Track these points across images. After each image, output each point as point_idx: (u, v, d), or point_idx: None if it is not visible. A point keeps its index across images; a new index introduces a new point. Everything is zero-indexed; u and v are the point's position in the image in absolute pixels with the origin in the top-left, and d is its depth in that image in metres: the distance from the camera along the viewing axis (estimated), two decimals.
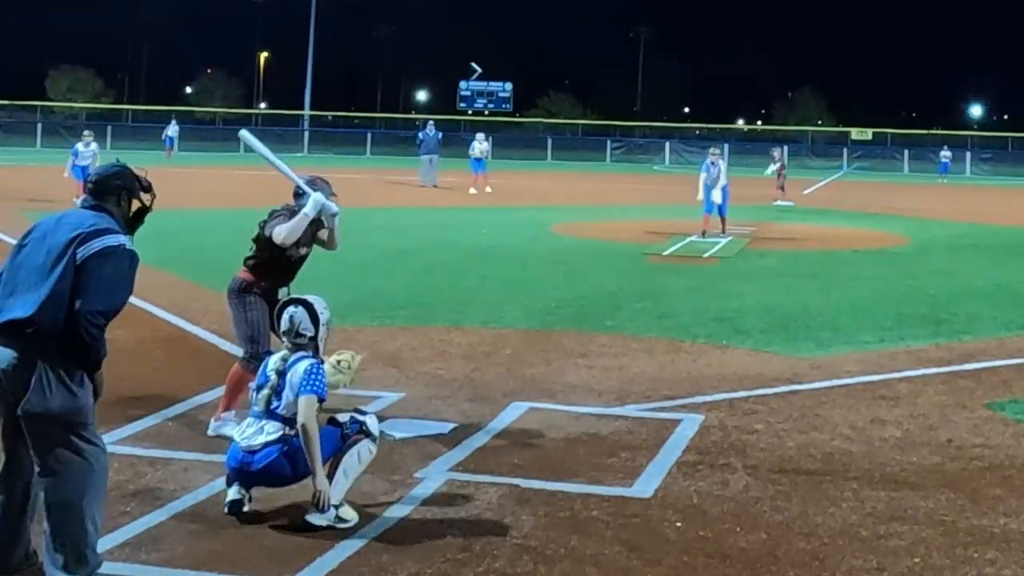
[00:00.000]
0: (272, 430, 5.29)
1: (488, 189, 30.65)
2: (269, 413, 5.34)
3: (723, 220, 19.84)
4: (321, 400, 5.31)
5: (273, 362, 5.48)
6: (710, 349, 9.69)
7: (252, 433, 5.33)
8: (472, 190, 30.96)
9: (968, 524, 5.54)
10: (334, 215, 6.73)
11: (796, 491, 5.98)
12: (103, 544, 4.70)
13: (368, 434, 5.50)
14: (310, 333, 5.51)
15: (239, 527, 5.27)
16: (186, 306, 11.02)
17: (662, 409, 7.59)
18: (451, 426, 7.01)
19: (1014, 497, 5.96)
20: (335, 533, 5.18)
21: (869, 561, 5.05)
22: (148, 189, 4.72)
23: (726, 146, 57.91)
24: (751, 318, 11.20)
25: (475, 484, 5.91)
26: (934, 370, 8.94)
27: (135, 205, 4.68)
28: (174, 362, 8.84)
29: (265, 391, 5.40)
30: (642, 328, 10.60)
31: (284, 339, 5.57)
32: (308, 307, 5.55)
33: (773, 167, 31.17)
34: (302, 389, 5.26)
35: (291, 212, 6.73)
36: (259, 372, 5.61)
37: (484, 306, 11.71)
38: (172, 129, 50.87)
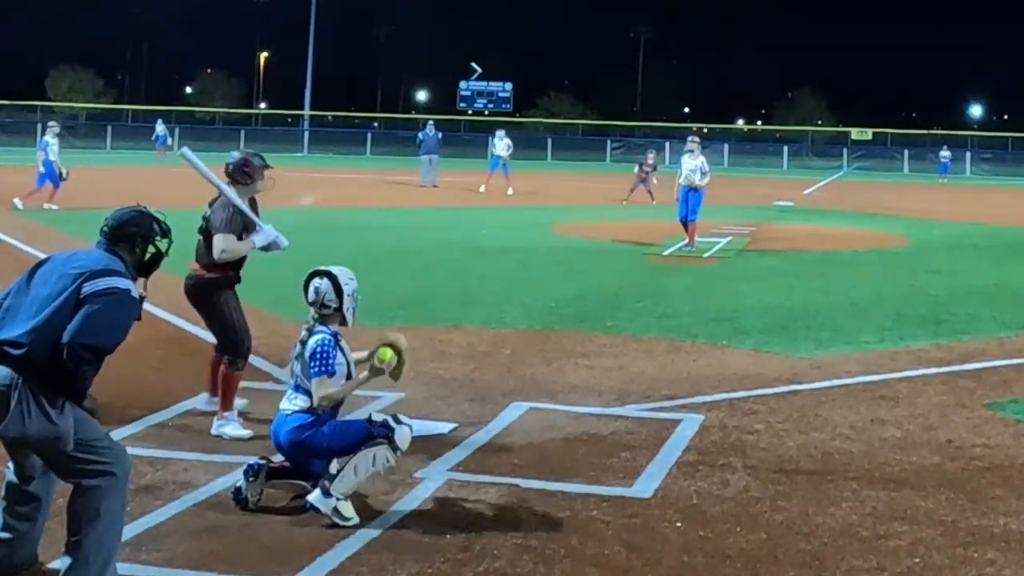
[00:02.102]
0: (300, 402, 5.53)
1: (510, 191, 30.34)
2: (296, 383, 5.59)
3: (685, 226, 17.45)
4: (331, 374, 5.49)
5: (302, 333, 5.68)
6: (710, 349, 9.68)
7: (289, 399, 5.59)
8: (482, 188, 30.89)
9: (968, 524, 5.54)
10: (283, 248, 6.91)
11: (796, 491, 5.98)
12: None
13: (391, 441, 5.46)
14: (335, 304, 5.68)
15: (239, 527, 5.27)
16: (186, 306, 10.88)
17: (662, 409, 7.59)
18: (451, 426, 7.02)
19: (1014, 497, 5.96)
20: (335, 533, 5.18)
21: (869, 561, 5.05)
22: (166, 234, 4.69)
23: (726, 145, 58.05)
24: (751, 318, 11.20)
25: (475, 484, 5.92)
26: (934, 370, 8.94)
27: (151, 250, 4.65)
28: (174, 362, 8.84)
29: (294, 361, 5.66)
30: (642, 328, 10.60)
31: (311, 309, 5.71)
32: (332, 279, 5.68)
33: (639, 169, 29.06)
34: (312, 373, 5.47)
35: (228, 207, 6.73)
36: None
37: (484, 306, 11.71)
38: (160, 128, 49.71)
